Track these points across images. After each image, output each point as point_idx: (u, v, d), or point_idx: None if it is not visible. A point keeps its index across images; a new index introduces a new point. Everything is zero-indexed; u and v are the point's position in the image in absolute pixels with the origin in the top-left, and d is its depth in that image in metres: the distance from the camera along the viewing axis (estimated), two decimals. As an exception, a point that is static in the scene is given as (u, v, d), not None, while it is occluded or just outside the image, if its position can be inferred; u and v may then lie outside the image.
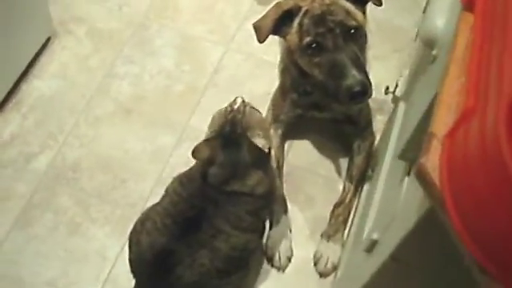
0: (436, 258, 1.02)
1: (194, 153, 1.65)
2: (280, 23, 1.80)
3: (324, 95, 1.93)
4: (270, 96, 2.17)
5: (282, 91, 2.08)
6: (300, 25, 1.78)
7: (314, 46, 1.76)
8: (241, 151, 1.64)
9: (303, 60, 1.82)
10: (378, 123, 2.18)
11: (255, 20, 1.87)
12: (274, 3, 1.87)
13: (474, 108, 0.84)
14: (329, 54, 1.75)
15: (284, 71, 2.07)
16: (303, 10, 1.78)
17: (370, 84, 1.75)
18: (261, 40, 1.81)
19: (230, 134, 1.66)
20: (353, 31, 1.76)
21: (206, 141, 1.68)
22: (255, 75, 2.32)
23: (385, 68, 2.31)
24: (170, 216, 1.66)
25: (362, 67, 1.77)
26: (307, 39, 1.76)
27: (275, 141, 2.07)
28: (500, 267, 0.77)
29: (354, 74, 1.72)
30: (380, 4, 1.81)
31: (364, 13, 1.84)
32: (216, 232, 1.63)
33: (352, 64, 1.73)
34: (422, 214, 0.95)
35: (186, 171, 1.74)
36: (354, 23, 1.76)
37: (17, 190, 2.04)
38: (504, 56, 0.82)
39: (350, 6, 1.79)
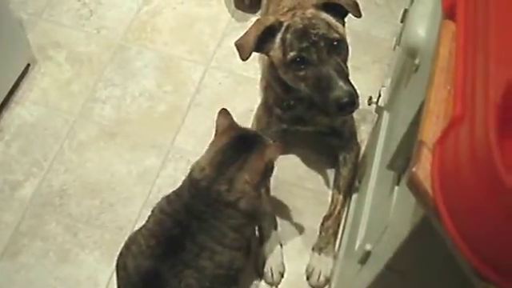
0: (432, 266, 1.02)
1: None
2: (262, 40, 1.79)
3: (308, 109, 1.94)
4: (253, 112, 2.17)
5: (266, 107, 2.08)
6: (283, 40, 1.77)
7: (298, 60, 1.75)
8: (240, 156, 1.67)
9: (288, 75, 1.82)
10: (362, 133, 2.19)
11: (234, 37, 1.87)
12: (251, 19, 1.86)
13: (462, 115, 0.84)
14: (314, 67, 1.75)
15: (266, 88, 2.07)
16: (285, 25, 1.78)
17: (357, 94, 1.76)
18: (244, 58, 1.80)
19: (240, 140, 1.71)
20: (336, 43, 1.76)
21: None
22: (237, 92, 2.33)
23: (365, 79, 2.32)
24: (155, 236, 1.66)
25: (347, 78, 1.77)
26: (291, 54, 1.76)
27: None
28: (497, 271, 0.77)
29: (341, 85, 1.72)
30: (359, 15, 1.82)
31: (343, 25, 1.85)
32: (199, 250, 1.63)
33: (338, 76, 1.73)
34: (415, 223, 0.95)
35: (176, 189, 1.74)
36: (336, 35, 1.77)
37: (3, 218, 2.02)
38: (489, 61, 0.83)
39: (331, 19, 1.80)
